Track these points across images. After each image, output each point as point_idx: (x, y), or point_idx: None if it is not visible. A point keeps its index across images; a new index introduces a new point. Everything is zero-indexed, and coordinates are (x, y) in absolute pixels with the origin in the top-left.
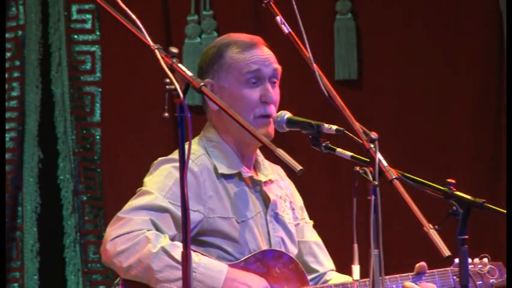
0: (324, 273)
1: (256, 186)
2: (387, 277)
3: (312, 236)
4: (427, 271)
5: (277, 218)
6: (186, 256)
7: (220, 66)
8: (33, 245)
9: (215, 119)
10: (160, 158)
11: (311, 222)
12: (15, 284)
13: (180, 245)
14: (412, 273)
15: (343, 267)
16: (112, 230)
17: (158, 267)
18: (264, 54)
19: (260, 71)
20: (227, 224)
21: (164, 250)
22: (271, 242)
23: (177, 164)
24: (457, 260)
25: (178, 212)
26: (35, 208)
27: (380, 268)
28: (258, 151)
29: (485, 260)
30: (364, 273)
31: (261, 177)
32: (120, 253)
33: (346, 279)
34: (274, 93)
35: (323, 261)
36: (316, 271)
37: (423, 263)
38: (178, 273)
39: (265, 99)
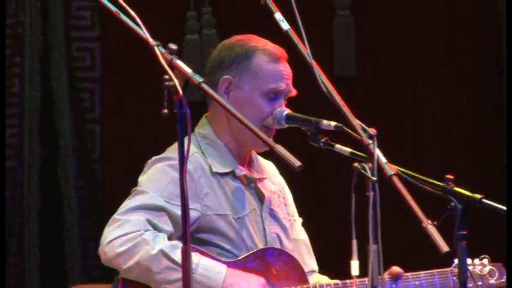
0: (307, 273)
1: (251, 183)
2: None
3: (300, 234)
4: (422, 272)
5: (272, 214)
6: (186, 252)
7: (246, 69)
8: (33, 240)
9: (216, 115)
10: (154, 157)
11: (300, 220)
12: (15, 280)
13: (178, 245)
14: (411, 274)
15: (340, 263)
16: (109, 232)
17: (157, 269)
18: (288, 72)
19: (282, 89)
20: (224, 221)
21: (163, 252)
22: (267, 239)
23: (171, 162)
24: (456, 261)
25: (174, 211)
26: (35, 204)
27: (379, 264)
28: None
29: (485, 261)
30: (362, 271)
31: (255, 174)
32: (119, 255)
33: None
34: None
35: (307, 261)
36: None
37: (398, 269)
38: (177, 275)
39: None
